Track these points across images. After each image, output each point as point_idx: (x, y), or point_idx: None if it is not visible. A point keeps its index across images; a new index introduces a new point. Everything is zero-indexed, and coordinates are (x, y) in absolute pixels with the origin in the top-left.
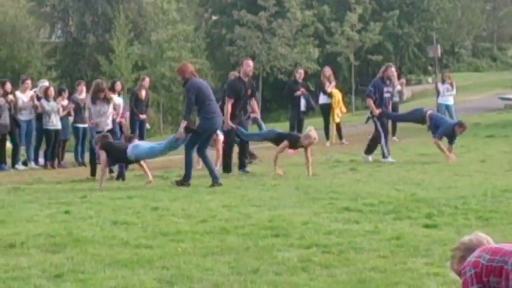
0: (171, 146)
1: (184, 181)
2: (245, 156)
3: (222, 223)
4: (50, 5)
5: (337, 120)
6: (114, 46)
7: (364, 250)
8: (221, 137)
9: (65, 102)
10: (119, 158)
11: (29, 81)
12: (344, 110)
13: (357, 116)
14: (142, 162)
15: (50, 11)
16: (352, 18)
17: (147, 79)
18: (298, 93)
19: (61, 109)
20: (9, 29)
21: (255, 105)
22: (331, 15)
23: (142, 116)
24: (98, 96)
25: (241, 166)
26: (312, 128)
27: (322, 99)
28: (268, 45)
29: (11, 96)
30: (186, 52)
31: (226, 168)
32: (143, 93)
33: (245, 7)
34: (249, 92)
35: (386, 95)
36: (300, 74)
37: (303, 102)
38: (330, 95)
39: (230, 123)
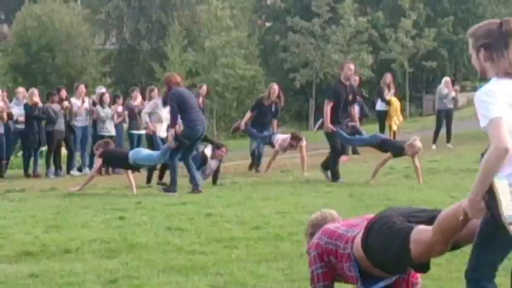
0: (165, 154)
1: (171, 188)
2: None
3: (275, 230)
4: (105, 12)
5: (394, 128)
6: (168, 53)
7: None
8: (304, 142)
9: (120, 108)
10: (120, 164)
11: (83, 88)
12: (401, 119)
13: (411, 122)
14: (129, 173)
15: (104, 18)
16: (406, 24)
17: (204, 87)
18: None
19: (115, 115)
20: (65, 36)
21: (355, 112)
22: (385, 22)
23: None
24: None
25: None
26: (416, 138)
27: (380, 105)
28: (321, 51)
29: (66, 103)
30: (239, 59)
31: (335, 174)
32: (199, 100)
33: (299, 14)
34: (350, 97)
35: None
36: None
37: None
38: (387, 102)
39: (330, 126)
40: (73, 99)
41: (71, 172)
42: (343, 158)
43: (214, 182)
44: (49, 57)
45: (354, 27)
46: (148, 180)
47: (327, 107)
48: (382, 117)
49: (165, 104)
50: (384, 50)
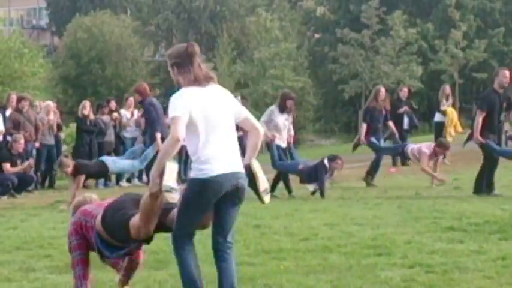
0: (148, 158)
1: None
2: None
3: (324, 241)
4: (155, 24)
5: (449, 139)
6: (217, 64)
7: (469, 270)
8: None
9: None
10: (101, 174)
11: (132, 99)
12: (460, 129)
13: (462, 134)
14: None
15: (154, 30)
16: (456, 35)
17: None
18: (401, 110)
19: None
20: (114, 47)
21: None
22: (435, 33)
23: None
24: (285, 105)
25: None
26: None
27: (437, 117)
28: (371, 63)
29: (115, 114)
30: (288, 70)
31: (490, 186)
32: None
33: (348, 25)
34: (504, 104)
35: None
36: (403, 92)
37: (406, 120)
38: (444, 113)
39: (480, 138)
40: (122, 111)
41: (120, 183)
42: (391, 170)
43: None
44: (99, 68)
45: (404, 38)
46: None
47: (479, 118)
48: (439, 128)
49: (282, 111)
50: (433, 61)
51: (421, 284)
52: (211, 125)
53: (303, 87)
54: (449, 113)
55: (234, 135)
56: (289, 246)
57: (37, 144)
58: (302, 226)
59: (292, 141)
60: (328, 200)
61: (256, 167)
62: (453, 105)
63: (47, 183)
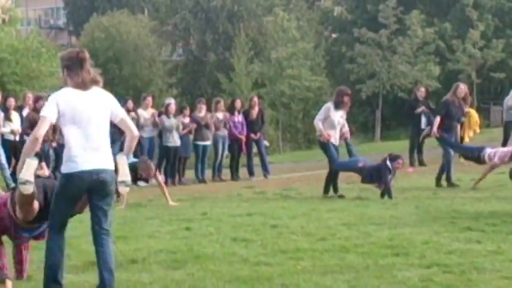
0: None
1: None
2: None
3: (341, 241)
4: (172, 24)
5: (467, 140)
6: (234, 64)
7: (487, 271)
8: None
9: (187, 120)
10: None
11: (150, 99)
12: (478, 130)
13: (479, 134)
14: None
15: (171, 30)
16: (474, 35)
17: (255, 98)
18: (418, 110)
19: (181, 126)
20: (132, 47)
21: None
22: (452, 33)
23: (254, 136)
24: (342, 101)
25: None
26: None
27: None
28: (388, 62)
29: (132, 114)
30: (305, 70)
31: None
32: (254, 112)
33: (365, 25)
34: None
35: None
36: (421, 91)
37: (423, 120)
38: (464, 115)
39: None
40: (140, 110)
41: (138, 183)
42: (409, 169)
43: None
44: (116, 68)
45: (421, 38)
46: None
47: None
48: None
49: (337, 107)
50: (451, 61)
51: (438, 284)
52: (80, 125)
53: (320, 86)
54: (473, 115)
55: (105, 134)
56: (306, 246)
57: (54, 144)
58: (319, 226)
59: (349, 136)
60: (346, 199)
61: (120, 161)
62: (471, 105)
63: None
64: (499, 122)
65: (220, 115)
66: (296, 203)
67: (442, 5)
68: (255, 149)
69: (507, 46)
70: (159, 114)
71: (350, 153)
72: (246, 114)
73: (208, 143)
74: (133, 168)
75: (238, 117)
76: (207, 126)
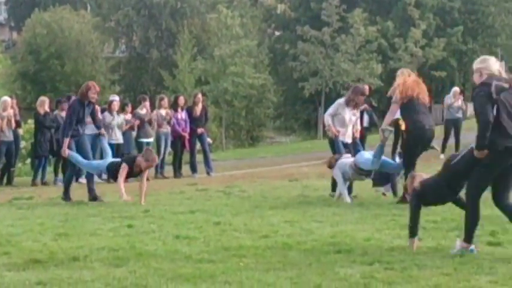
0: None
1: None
2: None
3: (284, 238)
4: (115, 20)
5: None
6: (177, 61)
7: (427, 267)
8: None
9: (129, 116)
10: None
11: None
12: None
13: None
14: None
15: (114, 26)
16: (415, 34)
17: (199, 95)
18: (361, 108)
19: (124, 123)
20: (74, 43)
21: None
22: (394, 31)
23: (198, 131)
24: (355, 100)
25: None
26: None
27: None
28: (331, 60)
29: None
30: (248, 67)
31: None
32: (197, 109)
33: (308, 23)
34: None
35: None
36: (364, 89)
37: (366, 118)
38: None
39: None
40: None
41: (80, 180)
42: None
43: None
44: (58, 64)
45: (364, 36)
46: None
47: None
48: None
49: (349, 105)
50: (393, 59)
51: (380, 281)
52: None
53: (263, 84)
54: None
55: None
56: (249, 243)
57: None
58: (262, 223)
59: (358, 136)
60: (288, 197)
61: None
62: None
63: (5, 180)
64: (440, 120)
65: (163, 112)
66: (239, 201)
67: (384, 4)
68: (198, 146)
69: (448, 45)
70: (102, 111)
71: (357, 152)
72: (190, 111)
73: (151, 140)
74: (116, 166)
75: (182, 114)
76: (150, 123)
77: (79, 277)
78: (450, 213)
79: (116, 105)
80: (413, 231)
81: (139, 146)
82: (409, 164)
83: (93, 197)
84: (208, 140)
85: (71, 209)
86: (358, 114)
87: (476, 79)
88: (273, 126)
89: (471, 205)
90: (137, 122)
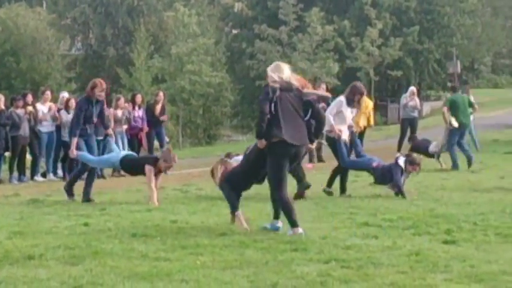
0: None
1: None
2: None
3: (241, 237)
4: (71, 18)
5: (356, 129)
6: (134, 59)
7: (383, 265)
8: None
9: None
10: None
11: (49, 93)
12: (372, 123)
13: (376, 131)
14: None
15: (70, 24)
16: (372, 33)
17: (161, 93)
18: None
19: None
20: (30, 40)
21: None
22: (351, 30)
23: (164, 117)
24: (354, 99)
25: None
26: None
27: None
28: (288, 59)
29: (30, 108)
30: (205, 66)
31: None
32: (158, 107)
33: (266, 21)
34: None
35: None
36: (322, 88)
37: None
38: None
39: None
40: (39, 105)
41: (35, 178)
42: (308, 166)
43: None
44: (13, 62)
45: (321, 35)
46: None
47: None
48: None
49: (349, 103)
50: (350, 58)
51: (336, 279)
52: None
53: (220, 82)
54: (365, 100)
55: None
56: (206, 242)
57: None
58: (219, 221)
59: (353, 129)
60: (245, 196)
61: None
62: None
63: None
64: (396, 119)
65: (119, 113)
66: (196, 199)
67: (341, 3)
68: (155, 145)
69: (404, 44)
70: (59, 109)
71: (352, 147)
72: (151, 109)
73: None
74: (133, 163)
75: (139, 112)
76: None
77: (34, 276)
78: (406, 212)
79: (72, 103)
80: (234, 206)
81: (97, 144)
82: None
83: (87, 200)
84: (166, 138)
85: (26, 207)
86: (355, 112)
87: (269, 81)
88: (230, 125)
89: (280, 201)
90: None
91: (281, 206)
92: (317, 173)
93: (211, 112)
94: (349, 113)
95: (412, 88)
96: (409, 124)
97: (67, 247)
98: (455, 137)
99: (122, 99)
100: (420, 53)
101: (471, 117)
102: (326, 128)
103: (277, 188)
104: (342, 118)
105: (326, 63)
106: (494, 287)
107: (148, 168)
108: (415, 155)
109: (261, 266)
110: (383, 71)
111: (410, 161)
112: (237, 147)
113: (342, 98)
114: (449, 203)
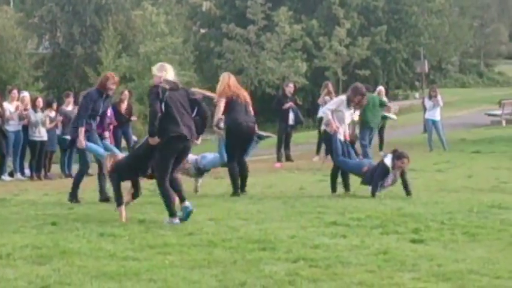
0: None
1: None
2: None
3: (209, 236)
4: (38, 16)
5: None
6: (102, 58)
7: (351, 264)
8: None
9: (53, 113)
10: None
11: (15, 92)
12: None
13: None
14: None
15: (38, 22)
16: (340, 33)
17: (126, 92)
18: (286, 106)
19: (48, 120)
20: None
21: None
22: (319, 30)
23: (133, 118)
24: (353, 100)
25: None
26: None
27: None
28: (256, 58)
29: None
30: (174, 65)
31: None
32: (123, 106)
33: (234, 20)
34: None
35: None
36: (289, 87)
37: (291, 115)
38: None
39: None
40: (5, 104)
41: (2, 177)
42: (276, 165)
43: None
44: None
45: (289, 34)
46: None
47: None
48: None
49: (348, 103)
50: (318, 57)
51: (304, 278)
52: None
53: (188, 82)
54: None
55: None
56: (174, 241)
57: None
58: (187, 221)
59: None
60: (213, 195)
61: None
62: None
63: None
64: None
65: None
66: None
67: (309, 3)
68: (123, 144)
69: (372, 44)
70: (26, 109)
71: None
72: (116, 108)
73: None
74: None
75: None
76: None
77: (1, 275)
78: (374, 211)
79: (40, 102)
80: (119, 201)
81: (64, 143)
82: (230, 155)
83: (105, 198)
84: (134, 137)
85: None
86: (354, 112)
87: (156, 81)
88: None
89: (162, 189)
90: (61, 119)
91: (161, 194)
92: (286, 172)
93: None
94: (348, 113)
95: (381, 87)
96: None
97: (35, 247)
98: (366, 134)
99: None
100: (388, 53)
101: (394, 117)
102: (323, 122)
103: (162, 177)
104: (341, 117)
105: (294, 63)
106: (462, 285)
107: None
108: (400, 150)
109: (229, 265)
110: (351, 71)
111: (397, 156)
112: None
113: (343, 97)
114: (417, 202)
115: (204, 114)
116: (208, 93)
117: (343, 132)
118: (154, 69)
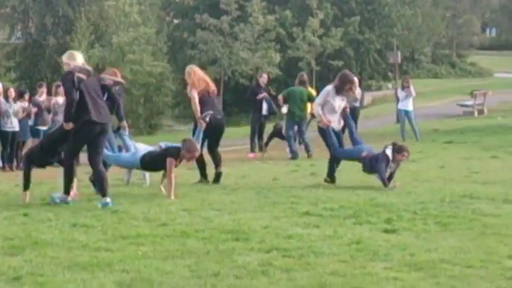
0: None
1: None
2: None
3: (182, 227)
4: (10, 6)
5: (309, 116)
6: (74, 48)
7: (324, 254)
8: None
9: (25, 104)
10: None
11: None
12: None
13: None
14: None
15: (9, 12)
16: (313, 23)
17: None
18: (260, 96)
19: (20, 111)
20: None
21: None
22: (292, 20)
23: None
24: (343, 88)
25: None
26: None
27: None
28: (229, 49)
29: None
30: (147, 55)
31: None
32: None
33: (207, 11)
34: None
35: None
36: (263, 78)
37: (265, 106)
38: None
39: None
40: None
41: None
42: (249, 155)
43: None
44: None
45: (262, 25)
46: None
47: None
48: None
49: (338, 92)
50: (291, 48)
51: (277, 268)
52: None
53: (162, 72)
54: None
55: None
56: (147, 232)
57: None
58: (160, 211)
59: (347, 111)
60: (187, 185)
61: None
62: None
63: None
64: None
65: (60, 99)
66: (137, 189)
67: None
68: None
69: (345, 35)
70: None
71: (349, 126)
72: None
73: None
74: (155, 158)
75: None
76: (48, 110)
77: None
78: (347, 201)
79: (12, 92)
80: (25, 186)
81: (38, 134)
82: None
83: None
84: None
85: None
86: (345, 99)
87: (66, 68)
88: (171, 115)
89: (66, 165)
90: (35, 110)
91: (64, 170)
92: (259, 162)
93: (153, 102)
94: (338, 101)
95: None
96: (350, 113)
97: (6, 238)
98: (291, 127)
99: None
100: (361, 43)
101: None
102: (316, 118)
103: (70, 158)
104: (331, 108)
105: (268, 53)
106: (434, 275)
107: (169, 160)
108: (400, 143)
109: (202, 255)
110: (324, 61)
111: (397, 149)
112: (179, 137)
113: (329, 88)
114: (389, 192)
115: (113, 98)
116: (118, 79)
117: (337, 121)
118: (65, 57)
